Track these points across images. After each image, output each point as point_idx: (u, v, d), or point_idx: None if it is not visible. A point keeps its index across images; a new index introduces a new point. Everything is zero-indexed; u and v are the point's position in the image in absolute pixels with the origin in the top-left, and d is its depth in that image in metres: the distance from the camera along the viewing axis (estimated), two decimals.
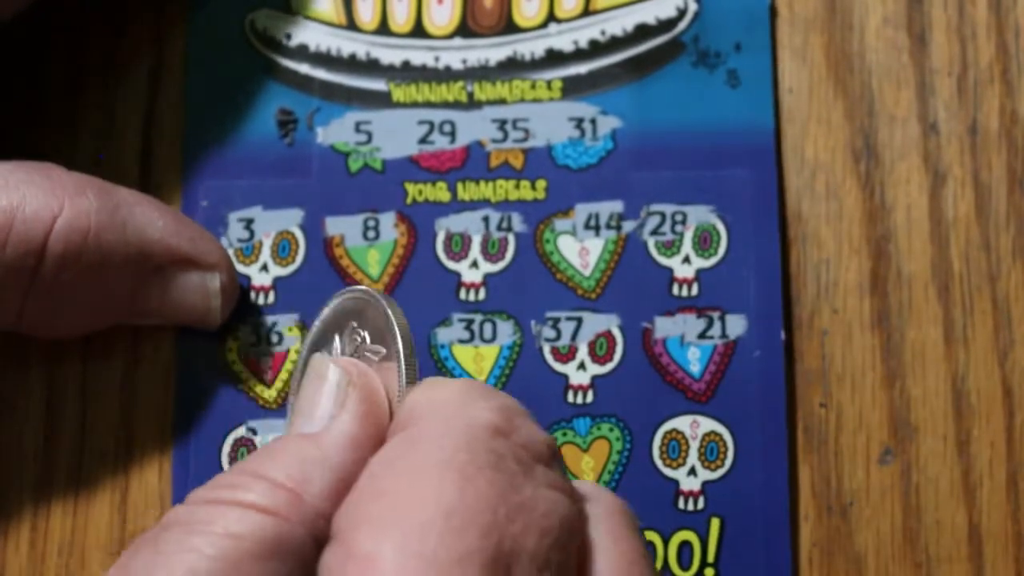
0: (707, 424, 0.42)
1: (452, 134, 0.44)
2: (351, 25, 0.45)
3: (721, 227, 0.44)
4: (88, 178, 0.41)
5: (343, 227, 0.44)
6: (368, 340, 0.37)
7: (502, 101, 0.45)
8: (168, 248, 0.41)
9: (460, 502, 0.31)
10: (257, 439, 0.43)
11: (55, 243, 0.39)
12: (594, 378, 0.43)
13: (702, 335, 0.43)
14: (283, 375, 0.43)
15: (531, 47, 0.45)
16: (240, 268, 0.44)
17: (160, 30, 0.46)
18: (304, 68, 0.45)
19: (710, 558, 0.42)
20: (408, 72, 0.45)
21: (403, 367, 0.36)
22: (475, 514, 0.31)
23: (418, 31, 0.45)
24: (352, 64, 0.45)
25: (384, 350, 0.37)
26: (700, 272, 0.43)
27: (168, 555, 0.32)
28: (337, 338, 0.38)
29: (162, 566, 0.32)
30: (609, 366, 0.43)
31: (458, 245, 0.44)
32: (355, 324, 0.38)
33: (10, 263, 0.39)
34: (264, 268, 0.44)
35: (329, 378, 0.36)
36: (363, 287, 0.38)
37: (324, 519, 0.33)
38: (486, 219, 0.44)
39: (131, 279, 0.41)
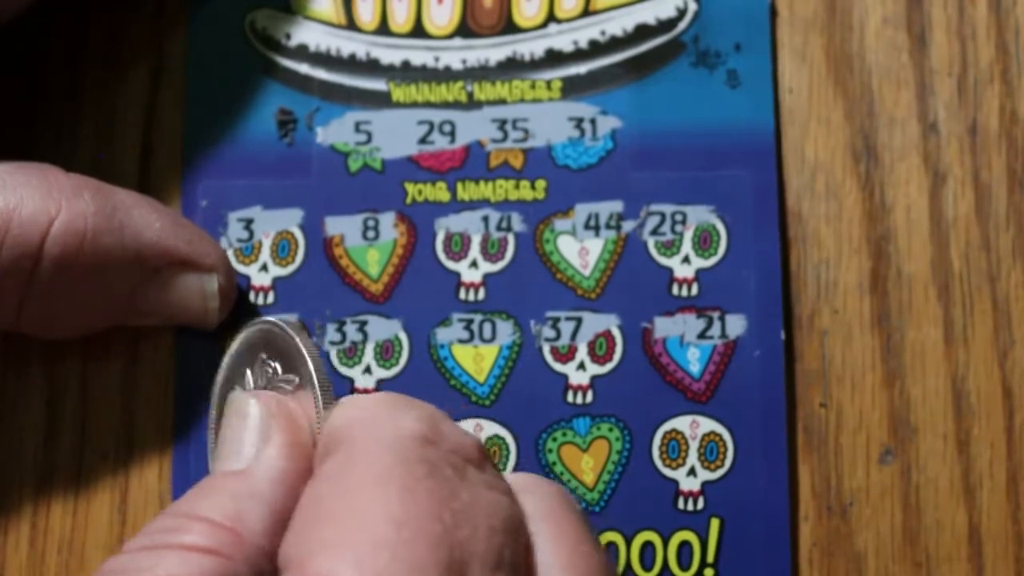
0: (707, 424, 0.42)
1: (452, 134, 0.44)
2: (351, 25, 0.45)
3: (721, 227, 0.44)
4: (86, 180, 0.41)
5: (343, 227, 0.44)
6: (279, 370, 0.37)
7: (502, 101, 0.45)
8: (165, 250, 0.41)
9: (406, 514, 0.31)
10: None
11: (51, 246, 0.39)
12: (594, 378, 0.43)
13: (702, 335, 0.43)
14: None
15: (531, 47, 0.45)
16: (240, 268, 0.44)
17: (160, 30, 0.46)
18: (304, 68, 0.45)
19: (710, 558, 0.42)
20: (408, 72, 0.45)
21: (318, 391, 0.36)
22: (422, 525, 0.31)
23: (418, 31, 0.45)
24: (352, 64, 0.45)
25: (297, 379, 0.37)
26: (700, 272, 0.43)
27: None
28: (248, 372, 0.38)
29: None
30: (609, 366, 0.43)
31: (458, 245, 0.44)
32: (264, 356, 0.38)
33: (7, 266, 0.39)
34: (264, 268, 0.44)
35: (250, 413, 0.36)
36: (268, 317, 0.38)
37: (264, 556, 0.33)
38: (486, 219, 0.44)
39: (129, 281, 0.41)
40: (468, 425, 0.43)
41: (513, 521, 0.34)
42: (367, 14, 0.45)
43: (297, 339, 0.36)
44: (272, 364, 0.38)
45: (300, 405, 0.37)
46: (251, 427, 0.36)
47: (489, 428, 0.43)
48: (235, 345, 0.39)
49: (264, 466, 0.35)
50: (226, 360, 0.39)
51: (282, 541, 0.33)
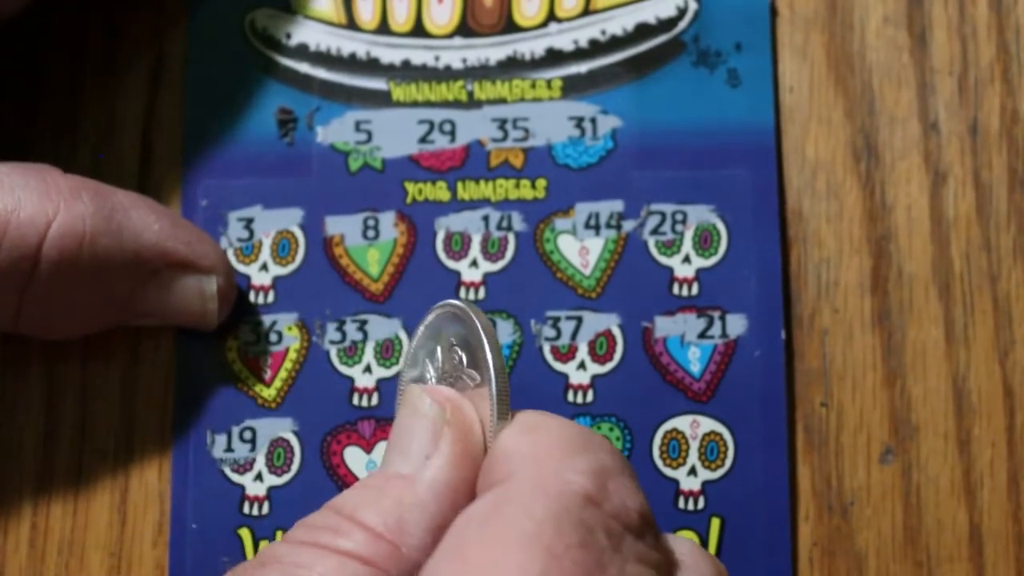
0: (707, 424, 0.42)
1: (452, 133, 0.44)
2: (351, 24, 0.45)
3: (721, 227, 0.43)
4: (85, 181, 0.41)
5: (343, 226, 0.44)
6: (466, 361, 0.37)
7: (502, 100, 0.45)
8: (164, 252, 0.41)
9: None
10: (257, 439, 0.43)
11: (50, 248, 0.39)
12: (594, 377, 0.43)
13: (702, 335, 0.43)
14: (282, 374, 0.43)
15: (531, 46, 0.45)
16: (240, 267, 0.44)
17: (160, 30, 0.46)
18: (304, 67, 0.45)
19: None
20: (408, 71, 0.45)
21: (495, 402, 0.35)
22: None
23: (418, 30, 0.45)
24: (352, 63, 0.45)
25: (479, 377, 0.36)
26: (700, 272, 0.43)
27: None
28: (439, 351, 0.37)
29: None
30: (609, 366, 0.43)
31: (458, 244, 0.44)
32: (454, 341, 0.37)
33: (4, 268, 0.39)
34: (264, 267, 0.44)
35: (424, 412, 0.35)
36: (464, 303, 0.37)
37: (417, 568, 0.33)
38: (486, 218, 0.44)
39: (127, 282, 0.41)
40: None
41: None
42: (367, 13, 0.45)
43: (484, 339, 0.35)
44: (460, 353, 0.37)
45: (476, 407, 0.36)
46: (423, 428, 0.35)
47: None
48: (429, 318, 0.37)
49: (431, 476, 0.34)
50: (418, 332, 0.38)
51: (423, 566, 0.32)
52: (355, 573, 0.32)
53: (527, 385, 0.43)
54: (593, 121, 0.44)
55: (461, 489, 0.34)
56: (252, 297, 0.44)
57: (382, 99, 0.45)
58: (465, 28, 0.45)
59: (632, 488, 0.34)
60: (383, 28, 0.45)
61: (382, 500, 0.34)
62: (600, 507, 0.33)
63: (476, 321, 0.36)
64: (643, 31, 0.45)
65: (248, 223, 0.44)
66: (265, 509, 0.42)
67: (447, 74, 0.45)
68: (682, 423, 0.43)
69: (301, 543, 0.33)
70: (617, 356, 0.43)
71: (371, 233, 0.44)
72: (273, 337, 0.43)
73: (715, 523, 0.42)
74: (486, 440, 0.35)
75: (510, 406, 0.35)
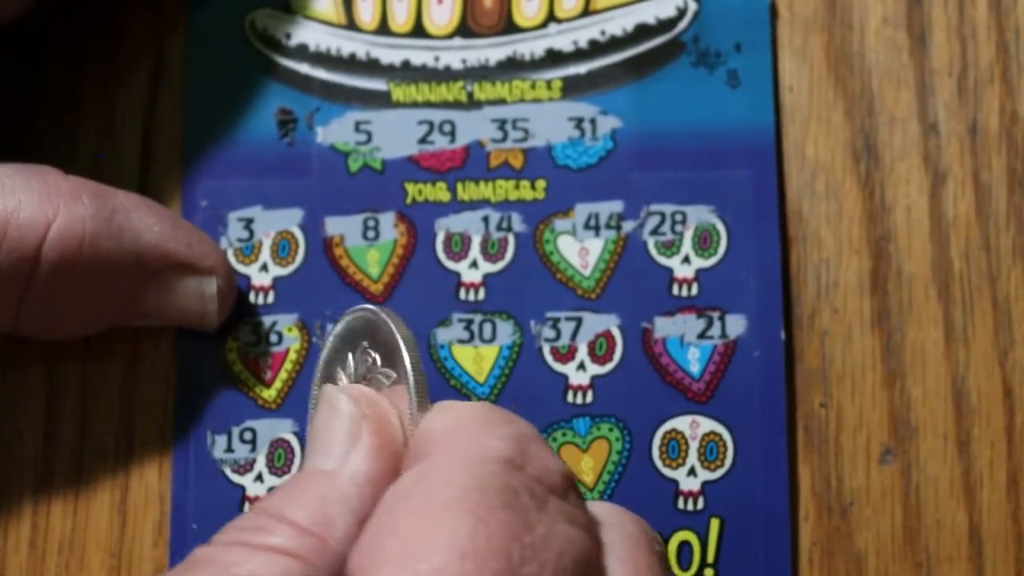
0: (707, 424, 0.42)
1: (452, 134, 0.44)
2: (351, 25, 0.45)
3: (721, 227, 0.43)
4: (85, 182, 0.41)
5: (343, 227, 0.44)
6: (379, 362, 0.37)
7: (502, 101, 0.45)
8: (164, 253, 0.41)
9: (472, 545, 0.31)
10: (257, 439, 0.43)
11: (49, 250, 0.39)
12: (594, 378, 0.43)
13: (702, 335, 0.43)
14: (282, 375, 0.43)
15: (531, 47, 0.45)
16: (240, 268, 0.44)
17: (160, 30, 0.46)
18: (304, 68, 0.45)
19: (710, 558, 0.42)
20: (408, 72, 0.45)
21: (413, 392, 0.35)
22: (488, 558, 0.31)
23: (418, 31, 0.45)
24: (352, 64, 0.45)
25: (395, 373, 0.36)
26: (700, 272, 0.43)
27: None
28: (350, 357, 0.38)
29: None
30: (609, 366, 0.43)
31: (458, 245, 0.44)
32: (366, 344, 0.37)
33: (4, 269, 0.39)
34: (264, 268, 0.44)
35: (341, 409, 0.36)
36: (371, 306, 0.37)
37: (344, 559, 0.33)
38: (486, 219, 0.44)
39: (127, 284, 0.41)
40: None
41: (587, 560, 0.33)
42: (367, 14, 0.45)
43: (397, 334, 0.36)
44: (372, 354, 0.37)
45: (394, 403, 0.36)
46: (342, 425, 0.35)
47: None
48: (338, 328, 0.38)
49: (352, 469, 0.34)
50: (328, 342, 0.38)
51: (354, 547, 0.32)
52: (284, 567, 0.33)
53: (526, 386, 0.43)
54: (593, 122, 0.44)
55: (383, 480, 0.34)
56: (252, 298, 0.44)
57: (382, 100, 0.45)
58: (465, 29, 0.45)
59: (550, 453, 0.34)
60: (383, 29, 0.45)
61: (306, 496, 0.34)
62: (522, 470, 0.33)
63: (387, 319, 0.36)
64: (643, 32, 0.45)
65: (248, 224, 0.44)
66: None
67: (447, 75, 0.45)
68: (681, 423, 0.43)
69: (230, 543, 0.33)
70: (617, 357, 0.43)
71: (371, 234, 0.44)
72: (273, 338, 0.43)
73: (715, 524, 0.42)
74: (406, 433, 0.35)
75: (428, 399, 0.36)
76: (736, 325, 0.43)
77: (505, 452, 0.33)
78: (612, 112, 0.44)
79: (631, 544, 0.35)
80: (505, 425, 0.34)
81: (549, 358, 0.43)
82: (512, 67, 0.45)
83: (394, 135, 0.44)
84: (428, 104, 0.45)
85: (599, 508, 0.36)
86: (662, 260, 0.43)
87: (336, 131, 0.45)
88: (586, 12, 0.45)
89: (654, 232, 0.44)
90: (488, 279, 0.44)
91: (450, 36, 0.45)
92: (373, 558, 0.32)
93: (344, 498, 0.34)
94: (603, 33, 0.45)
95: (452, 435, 0.34)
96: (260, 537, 0.33)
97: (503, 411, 0.35)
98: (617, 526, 0.35)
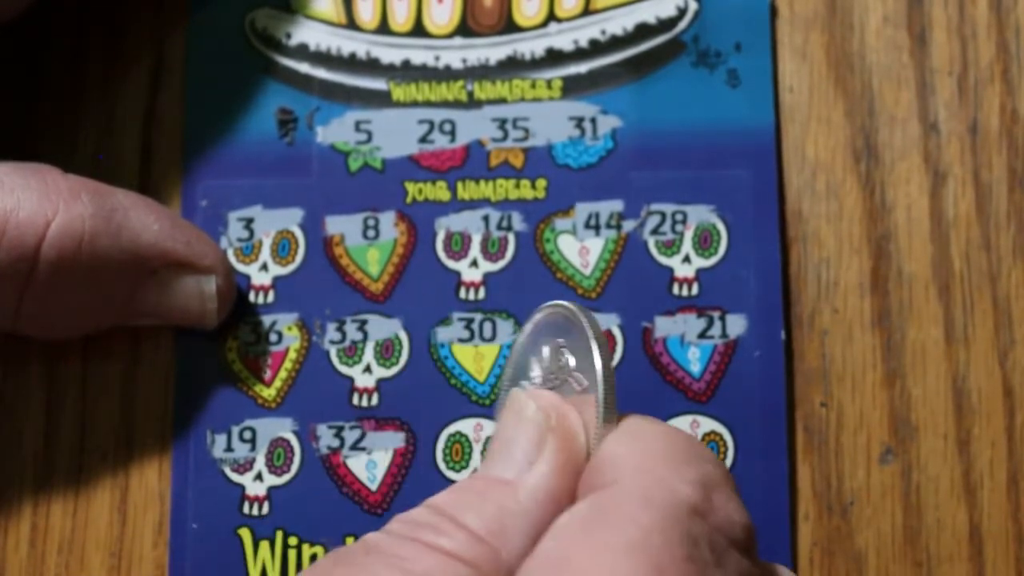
0: (707, 424, 0.42)
1: (452, 133, 0.44)
2: (351, 24, 0.45)
3: (721, 227, 0.43)
4: (84, 181, 0.41)
5: (343, 226, 0.44)
6: (573, 364, 0.36)
7: (502, 100, 0.45)
8: (164, 252, 0.41)
9: None
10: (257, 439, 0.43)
11: (49, 249, 0.39)
12: None
13: (702, 335, 0.43)
14: (282, 374, 0.43)
15: (531, 46, 0.45)
16: (240, 267, 0.44)
17: (160, 30, 0.46)
18: (304, 67, 0.45)
19: None
20: (408, 71, 0.45)
21: (601, 406, 0.35)
22: None
23: (418, 30, 0.45)
24: (352, 63, 0.45)
25: (586, 382, 0.36)
26: (700, 272, 0.43)
27: None
28: (545, 351, 0.37)
29: None
30: None
31: (458, 244, 0.44)
32: (561, 342, 0.36)
33: (3, 268, 0.39)
34: (264, 267, 0.44)
35: (529, 418, 0.35)
36: (572, 305, 0.36)
37: (513, 574, 0.32)
38: (486, 218, 0.44)
39: (127, 283, 0.41)
40: (468, 425, 0.43)
41: None
42: (367, 13, 0.45)
43: (593, 343, 0.35)
44: (567, 356, 0.36)
45: (580, 413, 0.35)
46: (527, 434, 0.35)
47: (489, 428, 0.43)
48: (537, 317, 0.37)
49: (533, 483, 0.34)
50: (526, 331, 0.37)
51: (522, 568, 0.32)
52: (456, 572, 0.32)
53: None
54: (593, 121, 0.44)
55: (563, 498, 0.34)
56: (252, 297, 0.44)
57: (382, 99, 0.45)
58: (465, 28, 0.45)
59: (736, 502, 0.34)
60: (383, 28, 0.45)
61: (484, 504, 0.33)
62: (706, 519, 0.32)
63: (585, 323, 0.35)
64: (643, 31, 0.45)
65: (248, 223, 0.44)
66: (265, 509, 0.42)
67: (447, 74, 0.45)
68: (682, 423, 0.42)
69: (404, 537, 0.33)
70: (617, 356, 0.43)
71: (371, 233, 0.44)
72: (273, 337, 0.43)
73: None
74: (589, 446, 0.35)
75: (616, 412, 0.35)
76: (736, 325, 0.43)
77: (692, 498, 0.32)
78: (612, 111, 0.44)
79: None
80: (694, 465, 0.33)
81: None
82: (512, 66, 0.45)
83: (394, 134, 0.44)
84: (428, 103, 0.45)
85: (774, 571, 0.35)
86: (662, 260, 0.43)
87: (336, 130, 0.45)
88: (586, 11, 0.45)
89: (654, 231, 0.44)
90: (488, 278, 0.44)
91: (450, 35, 0.45)
92: None
93: (522, 512, 0.33)
94: (603, 32, 0.45)
95: (638, 467, 0.33)
96: (434, 537, 0.33)
97: (693, 444, 0.34)
98: None
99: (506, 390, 0.37)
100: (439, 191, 0.44)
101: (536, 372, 0.37)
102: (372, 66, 0.45)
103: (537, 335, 0.37)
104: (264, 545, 0.42)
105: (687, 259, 0.43)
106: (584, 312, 0.36)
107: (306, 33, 0.45)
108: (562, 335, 0.36)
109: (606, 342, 0.35)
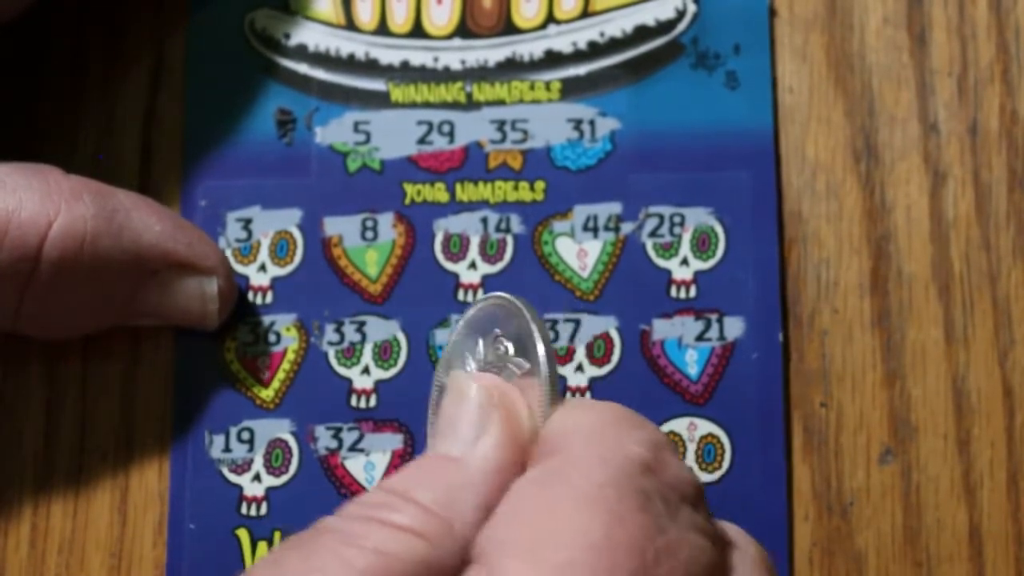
0: (705, 426, 0.42)
1: (451, 135, 0.44)
2: (350, 25, 0.45)
3: (719, 229, 0.43)
4: (86, 182, 0.41)
5: (341, 227, 0.44)
6: (511, 351, 0.37)
7: (501, 102, 0.44)
8: (165, 253, 0.41)
9: (607, 541, 0.31)
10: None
11: (50, 249, 0.39)
12: (592, 380, 0.43)
13: (700, 337, 0.43)
14: (280, 375, 0.43)
15: (530, 48, 0.45)
16: (238, 268, 0.44)
17: (160, 30, 0.46)
18: (303, 68, 0.45)
19: None
20: (407, 72, 0.45)
21: (547, 386, 0.35)
22: (622, 556, 0.31)
23: (417, 31, 0.45)
24: (351, 64, 0.45)
25: (527, 365, 0.36)
26: (698, 274, 0.43)
27: (320, 561, 0.32)
28: (480, 344, 0.37)
29: (317, 570, 0.32)
30: (607, 368, 0.43)
31: (456, 246, 0.44)
32: (499, 332, 0.37)
33: (5, 268, 0.39)
34: (262, 268, 0.44)
35: (471, 397, 0.35)
36: (507, 295, 0.37)
37: (467, 545, 0.33)
38: (484, 220, 0.44)
39: (128, 283, 0.41)
40: None
41: (714, 570, 0.33)
42: (366, 14, 0.45)
43: (533, 325, 0.35)
44: (504, 343, 0.37)
45: (522, 394, 0.36)
46: (470, 412, 0.35)
47: None
48: (470, 313, 0.38)
49: (480, 456, 0.34)
50: (458, 327, 0.38)
51: (480, 534, 0.33)
52: (409, 545, 0.32)
53: None
54: (592, 123, 0.44)
55: (511, 471, 0.34)
56: (250, 298, 0.44)
57: (381, 100, 0.45)
58: (464, 29, 0.45)
59: (683, 462, 0.35)
60: (382, 29, 0.45)
61: (433, 479, 0.34)
62: (657, 475, 0.33)
63: (523, 308, 0.36)
64: (642, 33, 0.45)
65: (247, 223, 0.44)
66: (263, 510, 0.42)
67: (446, 75, 0.45)
68: (679, 425, 0.43)
69: (356, 517, 0.33)
70: (615, 359, 0.43)
71: (370, 234, 0.44)
72: (271, 338, 0.43)
73: None
74: (536, 424, 0.35)
75: (560, 393, 0.35)
76: (734, 327, 0.43)
77: (642, 456, 0.33)
78: (611, 113, 0.44)
79: (753, 566, 0.35)
80: (641, 429, 0.34)
81: None
82: (511, 68, 0.45)
83: (393, 135, 0.44)
84: (427, 105, 0.45)
85: (729, 529, 0.35)
86: (660, 262, 0.43)
87: (335, 131, 0.45)
88: (585, 13, 0.45)
89: (653, 234, 0.44)
90: (487, 280, 0.44)
91: (449, 37, 0.45)
92: (501, 545, 0.32)
93: (471, 484, 0.34)
94: (602, 34, 0.45)
95: (588, 433, 0.34)
96: (386, 513, 0.33)
97: (637, 415, 0.35)
98: (741, 547, 0.35)
99: (438, 386, 0.37)
100: (438, 192, 0.44)
101: (471, 367, 0.37)
102: (371, 67, 0.45)
103: (470, 331, 0.37)
104: (262, 546, 0.42)
105: (685, 261, 0.43)
106: (519, 299, 0.36)
107: (305, 34, 0.45)
108: (498, 326, 0.37)
109: (545, 324, 0.36)
